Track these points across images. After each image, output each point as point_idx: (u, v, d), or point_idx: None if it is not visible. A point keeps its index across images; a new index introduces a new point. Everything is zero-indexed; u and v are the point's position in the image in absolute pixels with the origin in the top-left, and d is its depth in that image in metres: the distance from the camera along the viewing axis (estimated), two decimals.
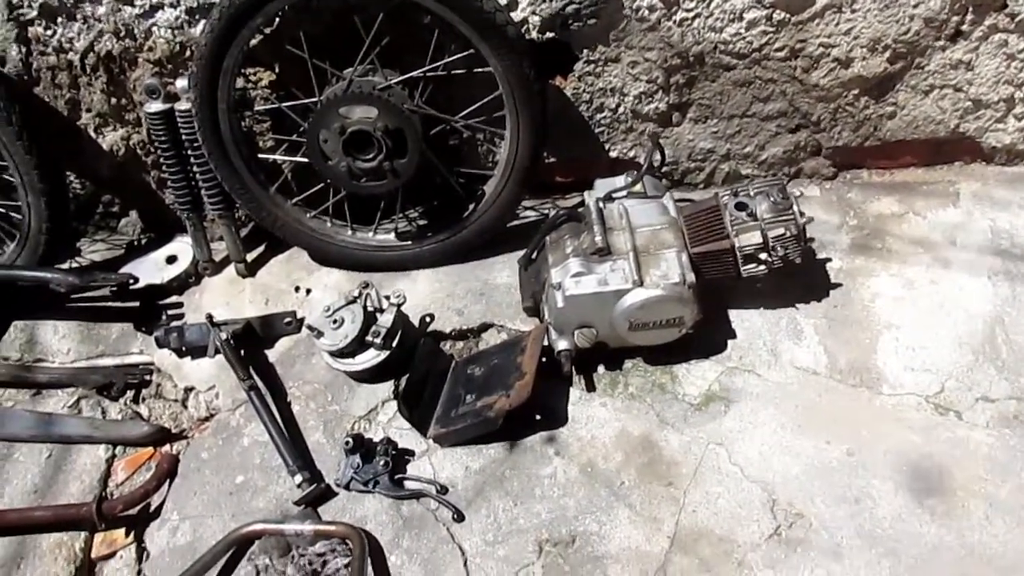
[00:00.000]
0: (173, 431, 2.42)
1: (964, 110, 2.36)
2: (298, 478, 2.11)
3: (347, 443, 2.12)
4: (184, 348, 2.45)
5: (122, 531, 2.25)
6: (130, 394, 2.52)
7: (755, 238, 2.08)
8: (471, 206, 2.43)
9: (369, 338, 2.24)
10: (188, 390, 2.48)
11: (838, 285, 2.33)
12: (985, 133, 2.41)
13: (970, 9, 2.14)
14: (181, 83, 2.31)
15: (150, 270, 2.63)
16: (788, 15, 2.17)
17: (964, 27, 2.18)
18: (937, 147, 2.47)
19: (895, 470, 1.96)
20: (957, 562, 1.81)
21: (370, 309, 2.30)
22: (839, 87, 2.32)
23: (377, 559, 2.01)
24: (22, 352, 2.65)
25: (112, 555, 2.22)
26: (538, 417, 2.19)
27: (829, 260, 2.38)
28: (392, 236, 2.49)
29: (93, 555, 2.23)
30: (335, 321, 2.26)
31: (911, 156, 2.51)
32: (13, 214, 2.54)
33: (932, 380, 2.11)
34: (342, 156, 2.21)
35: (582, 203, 2.29)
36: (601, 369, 2.26)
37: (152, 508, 2.28)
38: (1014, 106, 2.33)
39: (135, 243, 2.80)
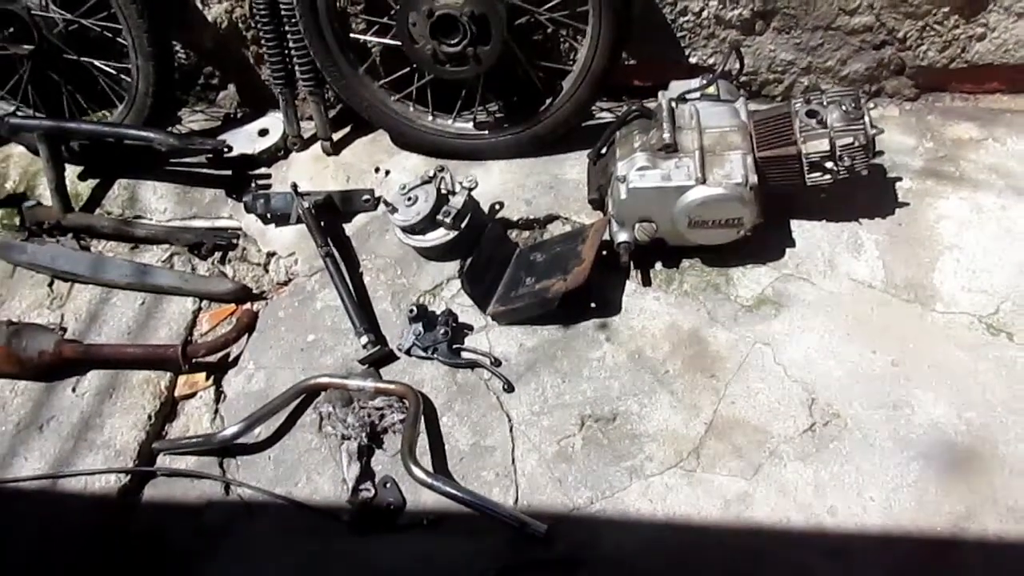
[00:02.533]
0: (254, 291, 2.61)
1: None
2: (364, 339, 2.27)
3: (412, 311, 2.26)
4: (269, 214, 2.62)
5: (203, 375, 2.46)
6: (217, 255, 2.72)
7: (822, 146, 2.10)
8: (548, 101, 2.50)
9: (440, 217, 2.35)
10: (270, 255, 2.66)
11: (905, 204, 2.33)
12: None
13: None
14: None
15: (243, 141, 2.80)
16: None
17: None
18: None
19: (938, 383, 2.00)
20: (986, 470, 1.86)
21: (443, 191, 2.41)
22: (929, 3, 2.29)
23: (430, 418, 2.17)
24: (123, 208, 2.87)
25: (193, 395, 2.44)
26: (593, 305, 2.29)
27: (899, 179, 2.38)
28: (470, 125, 2.58)
29: (176, 394, 2.45)
30: (409, 199, 2.38)
31: (997, 82, 2.46)
32: (124, 76, 2.72)
33: (988, 301, 2.12)
34: (428, 39, 2.30)
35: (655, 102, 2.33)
36: (658, 266, 2.34)
37: (231, 357, 2.48)
38: None
39: (231, 116, 2.97)
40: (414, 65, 2.47)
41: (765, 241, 2.29)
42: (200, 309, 2.62)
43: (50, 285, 2.76)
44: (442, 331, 2.23)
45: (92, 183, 2.92)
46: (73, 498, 2.28)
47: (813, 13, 2.36)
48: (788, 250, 2.30)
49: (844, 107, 2.10)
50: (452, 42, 2.29)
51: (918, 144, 2.46)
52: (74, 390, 2.47)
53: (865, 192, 2.32)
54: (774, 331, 2.16)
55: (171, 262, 2.72)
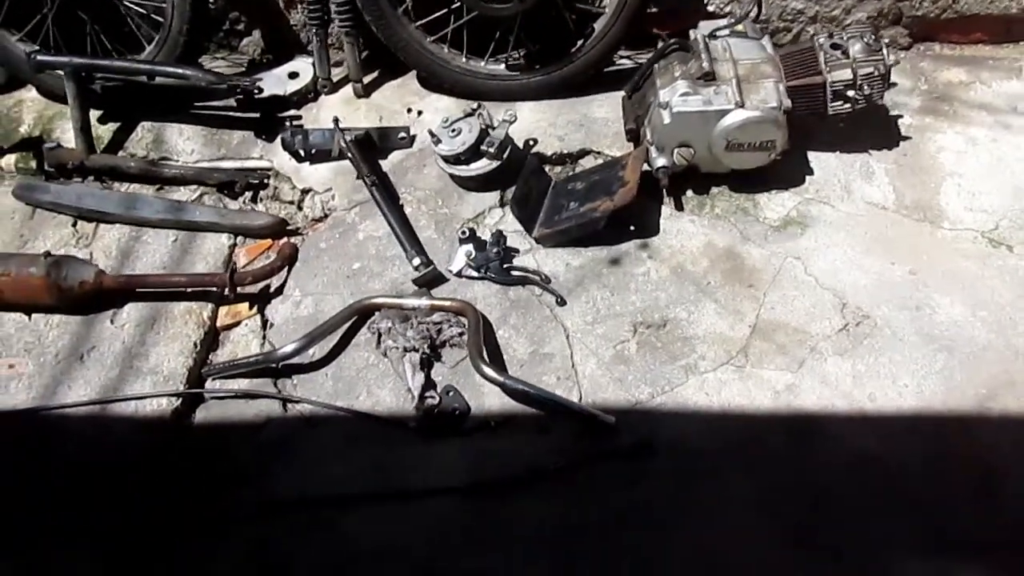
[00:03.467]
0: (289, 227, 2.67)
1: None
2: (416, 261, 2.36)
3: (463, 232, 2.36)
4: (307, 151, 2.68)
5: (245, 305, 2.50)
6: (249, 195, 2.76)
7: (846, 75, 2.31)
8: (580, 42, 2.64)
9: (483, 147, 2.47)
10: (305, 192, 2.72)
11: (908, 138, 2.56)
12: None
13: None
14: None
15: (274, 83, 2.86)
16: None
17: None
18: (1008, 25, 2.69)
19: (952, 288, 2.22)
20: (1002, 359, 2.08)
21: (483, 126, 2.53)
22: None
23: (487, 332, 2.27)
24: (148, 151, 2.89)
25: (236, 325, 2.48)
26: (632, 228, 2.43)
27: (901, 117, 2.62)
28: (502, 67, 2.71)
29: (218, 324, 2.49)
30: (453, 131, 2.50)
31: (982, 32, 2.73)
32: (156, 16, 2.75)
33: (988, 219, 2.36)
34: None
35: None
36: (689, 193, 2.50)
37: (271, 289, 2.53)
38: None
39: (255, 62, 3.02)
40: (451, 6, 2.59)
41: (786, 170, 2.48)
42: (235, 245, 2.66)
43: (74, 225, 2.75)
44: (494, 250, 2.34)
45: (113, 126, 2.93)
46: (124, 421, 2.29)
47: None
48: (808, 177, 2.50)
49: (865, 40, 2.31)
50: None
51: (915, 86, 2.70)
52: (112, 322, 2.48)
53: (872, 128, 2.55)
54: (802, 247, 2.35)
55: (201, 202, 2.75)
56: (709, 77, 2.30)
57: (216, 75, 2.71)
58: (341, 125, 2.67)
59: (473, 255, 2.36)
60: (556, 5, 2.59)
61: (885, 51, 2.31)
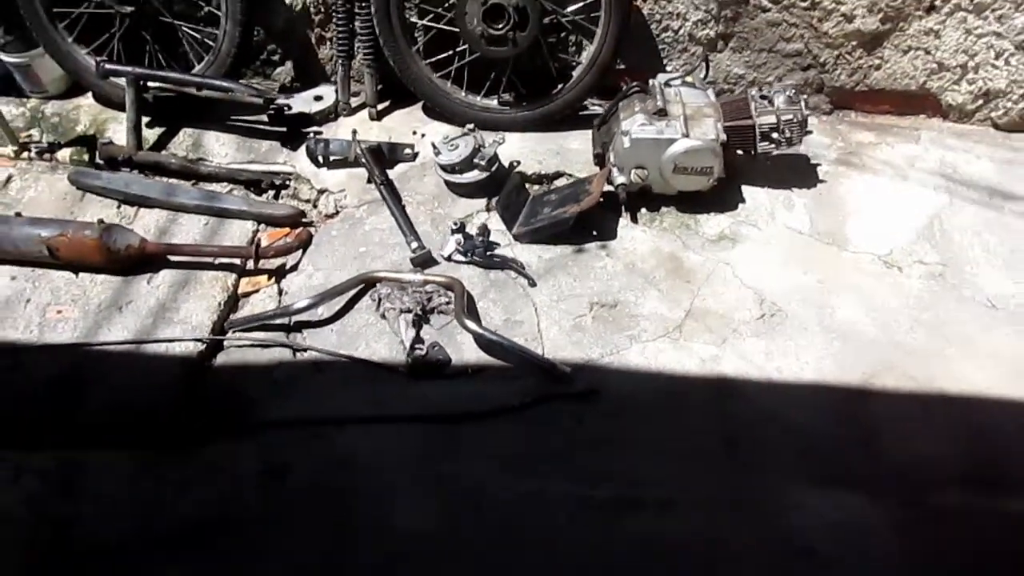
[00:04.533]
0: (305, 220, 3.15)
1: (931, 70, 3.19)
2: (414, 244, 2.85)
3: (455, 224, 2.85)
4: (326, 157, 3.19)
5: (264, 276, 2.96)
6: (271, 193, 3.25)
7: (771, 120, 2.87)
8: (560, 86, 3.21)
9: (476, 160, 2.99)
10: (321, 192, 3.21)
11: (824, 181, 3.12)
12: (944, 92, 3.24)
13: None
14: None
15: (301, 103, 3.40)
16: None
17: (937, 2, 3.02)
18: (909, 99, 3.29)
19: (851, 294, 2.73)
20: (885, 350, 2.57)
21: (476, 144, 3.06)
22: (842, 37, 3.14)
23: (469, 303, 2.73)
24: (188, 152, 3.38)
25: (255, 292, 2.93)
26: (595, 233, 2.94)
27: (819, 165, 3.18)
28: (494, 102, 3.26)
29: (239, 292, 2.93)
30: (452, 145, 3.02)
31: (888, 104, 3.33)
32: (207, 40, 3.29)
33: (884, 246, 2.89)
34: (480, 22, 2.99)
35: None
36: (643, 210, 3.02)
37: (287, 266, 2.99)
38: (967, 72, 3.16)
39: (286, 87, 3.56)
40: (454, 50, 3.16)
41: (723, 198, 3.02)
42: (258, 230, 3.13)
43: (118, 207, 3.21)
44: (479, 239, 2.83)
45: (159, 130, 3.44)
46: (156, 359, 2.71)
47: (760, 38, 3.19)
48: (740, 205, 3.03)
49: (788, 94, 2.89)
50: (498, 26, 2.99)
51: (832, 143, 3.28)
52: (149, 283, 2.91)
53: (796, 171, 3.11)
54: (732, 256, 2.87)
55: (232, 193, 3.23)
56: (662, 113, 2.86)
57: (256, 90, 3.23)
58: (357, 137, 3.18)
59: (462, 242, 2.85)
60: (542, 55, 3.16)
61: (803, 103, 2.89)
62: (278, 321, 2.76)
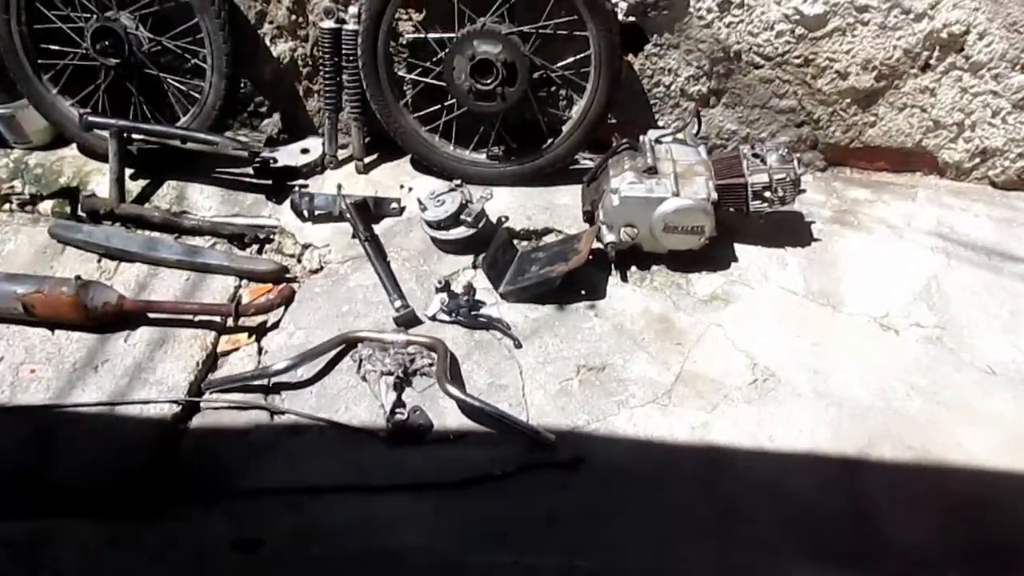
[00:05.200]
0: (288, 276, 3.08)
1: (926, 128, 3.14)
2: (397, 303, 2.78)
3: (439, 282, 2.78)
4: (311, 211, 3.13)
5: (245, 334, 2.89)
6: (255, 247, 3.19)
7: (764, 178, 2.82)
8: (549, 141, 3.17)
9: (463, 217, 2.93)
10: (305, 247, 3.15)
11: (818, 240, 3.06)
12: (941, 150, 3.19)
13: (937, 47, 2.94)
14: (352, 9, 3.06)
15: (287, 156, 3.35)
16: (806, 31, 2.96)
17: (932, 61, 2.98)
18: (905, 156, 3.24)
19: (846, 359, 2.65)
20: (883, 417, 2.48)
21: (463, 200, 3.00)
22: (837, 94, 3.10)
23: (453, 365, 2.65)
24: (171, 204, 3.33)
25: (235, 350, 2.85)
26: (583, 292, 2.87)
27: (813, 223, 3.12)
28: (483, 156, 3.22)
29: (219, 350, 2.86)
30: (438, 201, 2.96)
31: (884, 161, 3.28)
32: (193, 93, 3.25)
33: (880, 307, 2.81)
34: (468, 78, 2.95)
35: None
36: (633, 268, 2.95)
37: (268, 324, 2.92)
38: (964, 130, 3.11)
39: (273, 138, 3.52)
40: (442, 103, 3.11)
41: (715, 257, 2.95)
42: (240, 286, 3.06)
43: (98, 261, 3.15)
44: (464, 299, 2.76)
45: (143, 182, 3.38)
46: (130, 421, 2.62)
47: (753, 94, 3.15)
48: (733, 264, 2.97)
49: (780, 152, 2.84)
50: (487, 81, 2.95)
51: (827, 200, 3.23)
52: (126, 341, 2.84)
53: (789, 229, 3.05)
54: (724, 317, 2.79)
55: (214, 248, 3.17)
56: (652, 171, 2.80)
57: (241, 143, 3.19)
58: (343, 191, 3.13)
59: (446, 301, 2.78)
60: (531, 109, 3.12)
61: (796, 162, 2.83)
62: (256, 382, 2.67)
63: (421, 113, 3.20)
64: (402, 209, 3.18)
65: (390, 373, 2.61)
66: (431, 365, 2.63)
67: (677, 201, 2.75)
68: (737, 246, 3.03)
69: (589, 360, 2.66)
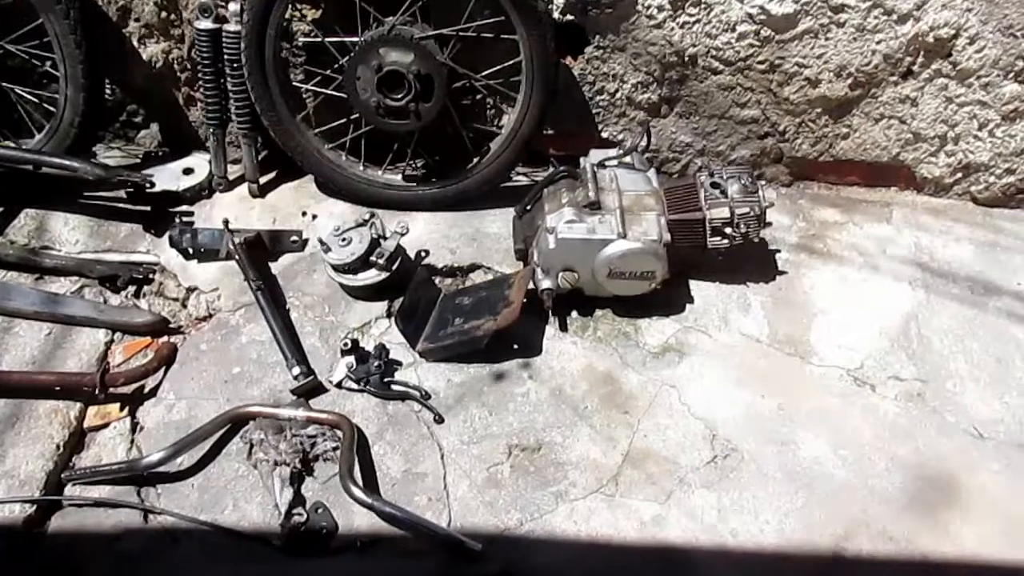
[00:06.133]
0: (170, 326, 2.61)
1: (905, 141, 2.76)
2: (296, 370, 2.34)
3: (345, 344, 2.35)
4: (195, 249, 2.65)
5: (116, 406, 2.42)
6: (132, 289, 2.70)
7: (723, 213, 2.41)
8: (475, 160, 2.71)
9: (373, 258, 2.48)
10: (190, 290, 2.67)
11: (784, 273, 2.68)
12: (920, 164, 2.81)
13: (921, 52, 2.54)
14: (233, 7, 2.54)
15: (167, 178, 2.83)
16: (773, 33, 2.53)
17: (915, 67, 2.58)
18: (879, 171, 2.86)
19: (817, 424, 2.30)
20: (859, 499, 2.15)
21: (375, 235, 2.55)
22: (806, 103, 2.69)
23: (362, 447, 2.24)
24: (30, 238, 2.81)
25: (105, 426, 2.40)
26: (516, 346, 2.46)
27: (779, 251, 2.74)
28: (399, 177, 2.75)
29: (86, 425, 2.39)
30: (344, 240, 2.51)
31: (856, 176, 2.90)
32: (48, 105, 2.71)
33: (854, 357, 2.46)
34: (374, 92, 2.47)
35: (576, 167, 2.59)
36: (574, 314, 2.55)
37: (146, 389, 2.46)
38: (946, 144, 2.74)
39: (151, 154, 2.99)
40: (349, 117, 2.63)
41: (668, 297, 2.56)
42: (113, 341, 2.58)
43: None
44: (375, 364, 2.34)
45: None
46: None
47: (711, 103, 2.72)
48: (688, 306, 2.58)
49: (743, 181, 2.43)
50: (397, 97, 2.47)
51: (793, 223, 2.84)
52: None
53: (752, 261, 2.66)
54: (678, 375, 2.41)
55: (81, 294, 2.67)
56: (595, 206, 2.38)
57: (105, 169, 2.67)
58: (232, 226, 2.65)
59: (354, 367, 2.35)
60: (454, 124, 2.65)
61: (761, 193, 2.43)
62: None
63: (324, 128, 2.70)
64: (304, 243, 2.71)
65: (285, 463, 2.18)
66: (336, 448, 2.21)
67: (624, 244, 2.34)
68: (693, 283, 2.64)
69: (522, 438, 2.27)
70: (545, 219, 2.41)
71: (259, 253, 2.65)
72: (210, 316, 2.63)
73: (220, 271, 2.68)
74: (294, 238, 2.69)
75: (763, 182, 2.91)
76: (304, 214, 2.80)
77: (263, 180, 2.87)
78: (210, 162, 2.85)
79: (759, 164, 2.87)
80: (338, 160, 2.74)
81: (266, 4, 2.42)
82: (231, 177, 2.88)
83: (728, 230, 2.43)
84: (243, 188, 2.88)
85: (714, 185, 2.44)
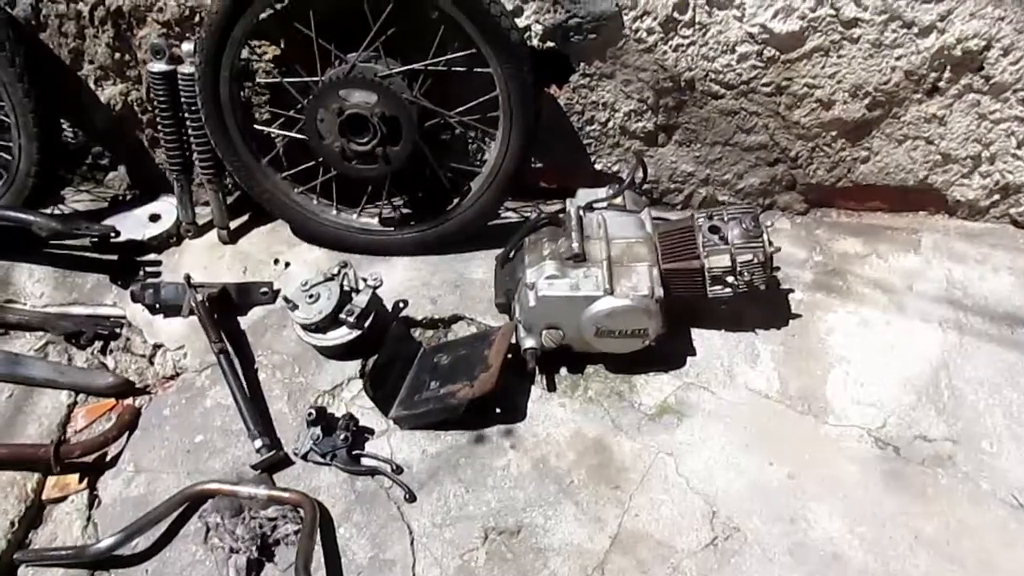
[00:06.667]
0: (137, 385, 2.45)
1: (933, 163, 2.47)
2: (258, 443, 2.16)
3: (310, 415, 2.17)
4: (158, 305, 2.48)
5: (76, 476, 2.27)
6: (98, 344, 2.55)
7: (724, 261, 2.17)
8: (456, 200, 2.50)
9: (343, 316, 2.29)
10: (157, 347, 2.51)
11: (797, 316, 2.42)
12: (951, 187, 2.52)
13: (948, 67, 2.25)
14: (187, 47, 2.35)
15: (133, 225, 2.67)
16: (778, 52, 2.26)
17: (941, 83, 2.29)
18: (904, 195, 2.58)
19: (831, 496, 2.06)
20: None
21: (347, 288, 2.36)
22: (819, 127, 2.42)
23: (327, 529, 2.06)
24: None
25: (63, 499, 2.25)
26: (498, 410, 2.25)
27: (791, 291, 2.48)
28: (375, 221, 2.55)
29: (44, 497, 2.25)
30: (311, 296, 2.32)
31: (879, 201, 2.62)
32: (2, 154, 2.56)
33: (876, 415, 2.21)
34: (337, 137, 2.26)
35: (563, 209, 2.36)
36: (563, 371, 2.33)
37: (108, 458, 2.31)
38: (980, 164, 2.44)
39: (120, 197, 2.83)
40: (318, 159, 2.43)
41: (667, 349, 2.32)
42: (76, 403, 2.43)
43: None
44: (342, 436, 2.15)
45: None
46: None
47: (713, 129, 2.46)
48: (689, 359, 2.34)
49: (744, 225, 2.17)
50: (362, 141, 2.27)
51: (808, 257, 2.57)
52: None
53: (760, 302, 2.40)
54: (676, 441, 2.18)
55: (45, 351, 2.53)
56: (579, 258, 2.15)
57: (62, 221, 2.51)
58: (199, 278, 2.48)
59: (320, 439, 2.17)
60: (429, 164, 2.43)
61: (766, 236, 2.18)
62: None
63: (292, 171, 2.51)
64: (275, 294, 2.52)
65: (241, 552, 2.01)
66: (298, 531, 2.04)
67: (611, 301, 2.11)
68: (695, 331, 2.40)
69: (500, 519, 2.06)
70: (525, 273, 2.19)
71: (227, 307, 2.47)
72: (177, 375, 2.47)
73: (187, 327, 2.51)
74: (264, 290, 2.51)
75: (772, 224, 2.63)
76: (276, 262, 2.62)
77: (234, 225, 2.69)
78: (178, 208, 2.67)
79: (770, 192, 2.61)
80: (309, 205, 2.54)
81: (218, 44, 2.22)
82: (201, 222, 2.71)
83: (730, 279, 2.19)
84: (214, 234, 2.70)
85: (713, 229, 2.19)
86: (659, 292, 2.11)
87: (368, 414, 2.27)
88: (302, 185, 2.53)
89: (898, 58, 2.25)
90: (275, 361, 2.42)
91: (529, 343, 2.21)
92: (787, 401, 2.25)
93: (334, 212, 2.55)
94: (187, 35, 2.36)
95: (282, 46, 2.38)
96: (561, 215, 2.30)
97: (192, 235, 2.69)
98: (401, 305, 2.46)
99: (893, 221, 2.67)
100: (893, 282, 2.49)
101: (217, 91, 2.30)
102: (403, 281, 2.55)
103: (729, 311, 2.38)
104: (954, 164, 2.47)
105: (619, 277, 2.14)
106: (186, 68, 2.36)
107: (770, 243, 2.18)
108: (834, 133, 2.44)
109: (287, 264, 2.60)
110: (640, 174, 2.42)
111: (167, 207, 2.72)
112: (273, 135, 2.50)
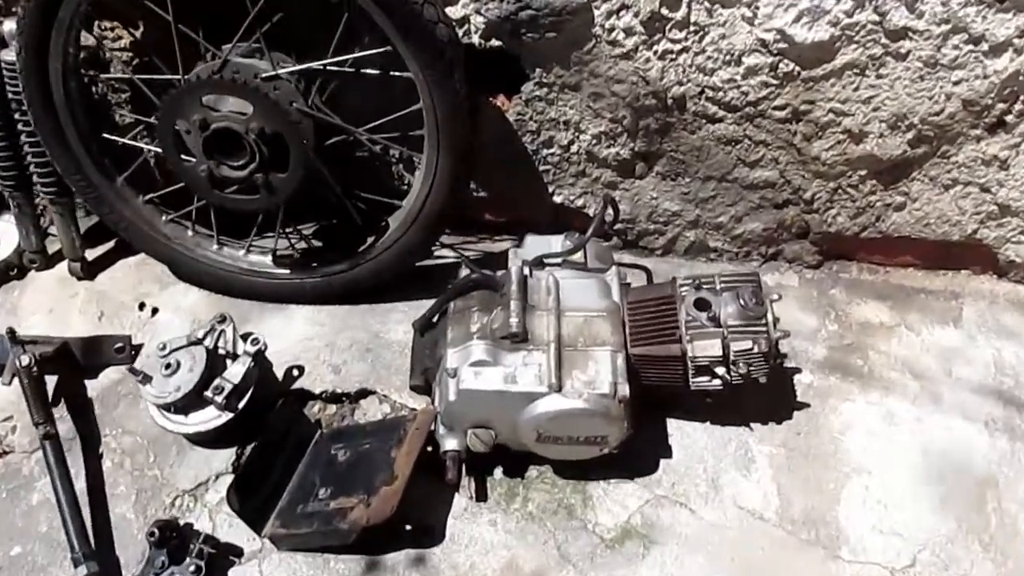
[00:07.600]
0: None
1: (987, 214, 1.93)
2: (82, 570, 1.61)
3: (152, 534, 1.61)
4: None
5: None
6: None
7: (714, 348, 1.62)
8: (370, 239, 1.93)
9: (209, 393, 1.73)
10: None
11: (805, 406, 1.89)
12: (1006, 244, 1.98)
13: (1021, 98, 1.70)
14: (9, 25, 1.76)
15: None
16: (798, 68, 1.70)
17: (1009, 118, 1.74)
18: (945, 250, 2.04)
19: None
20: None
21: (222, 352, 1.80)
22: (844, 164, 1.87)
23: None
24: None
25: None
26: (408, 527, 1.71)
27: (798, 372, 1.94)
28: (268, 259, 1.98)
29: None
30: (168, 365, 1.75)
31: (912, 256, 2.08)
32: None
33: (903, 548, 1.69)
34: (203, 158, 1.69)
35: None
36: (498, 473, 1.79)
37: None
38: None
39: None
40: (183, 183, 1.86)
41: (635, 447, 1.76)
42: None
43: None
44: (192, 567, 1.60)
45: None
46: None
47: (706, 161, 1.90)
48: (663, 462, 1.81)
49: (742, 300, 1.62)
50: (235, 164, 1.69)
51: (820, 325, 2.03)
52: None
53: (757, 392, 1.83)
54: None
55: None
56: (518, 339, 1.59)
57: None
58: (41, 324, 1.94)
59: (164, 567, 1.62)
60: (335, 194, 1.86)
61: (771, 317, 1.63)
62: None
63: (157, 194, 1.93)
64: (135, 351, 1.95)
65: None
66: None
67: (557, 401, 1.56)
68: (672, 424, 1.86)
69: None
70: (447, 354, 1.63)
71: (70, 369, 1.90)
72: (5, 453, 1.91)
73: (17, 392, 1.93)
74: (119, 344, 1.94)
75: (783, 263, 2.10)
76: (142, 307, 2.05)
77: (91, 255, 2.11)
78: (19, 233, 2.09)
79: (776, 240, 2.06)
80: (181, 237, 1.97)
81: (41, 28, 1.63)
82: (52, 249, 2.13)
83: (720, 370, 1.64)
84: (66, 266, 2.12)
85: (700, 304, 1.63)
86: (624, 391, 1.56)
87: (238, 525, 1.72)
88: (173, 211, 1.94)
89: (957, 82, 1.68)
90: (126, 445, 1.86)
91: (450, 444, 1.66)
92: (788, 525, 1.72)
93: (215, 247, 1.98)
94: (12, 9, 1.77)
95: (140, 29, 1.78)
96: (500, 273, 1.73)
97: (39, 266, 2.11)
98: (295, 373, 1.91)
99: (927, 281, 2.12)
100: (927, 364, 1.95)
101: (47, 88, 1.72)
102: (301, 339, 1.99)
103: (718, 399, 1.83)
104: (1014, 218, 1.92)
105: (571, 367, 1.58)
106: (8, 55, 1.77)
107: (775, 323, 1.63)
108: (863, 173, 1.88)
109: (155, 310, 2.04)
110: (610, 214, 1.86)
111: (7, 229, 2.14)
112: (129, 146, 1.91)
